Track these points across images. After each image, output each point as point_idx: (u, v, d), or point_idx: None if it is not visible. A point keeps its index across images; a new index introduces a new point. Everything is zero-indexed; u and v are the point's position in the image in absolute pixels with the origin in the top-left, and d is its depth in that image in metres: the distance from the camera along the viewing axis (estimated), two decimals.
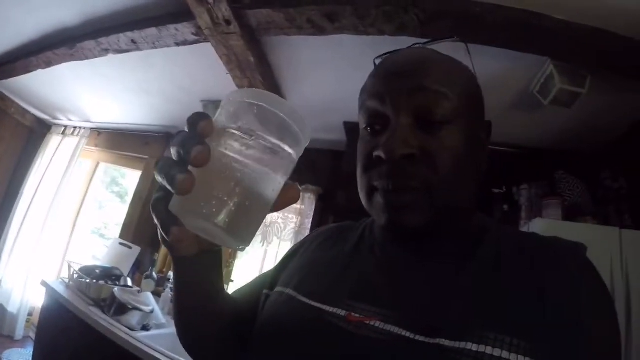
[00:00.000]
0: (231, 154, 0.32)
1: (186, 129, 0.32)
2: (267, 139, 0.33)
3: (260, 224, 0.35)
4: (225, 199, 0.31)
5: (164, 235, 0.33)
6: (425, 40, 0.61)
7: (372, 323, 0.43)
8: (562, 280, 0.41)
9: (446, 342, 0.38)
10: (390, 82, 0.49)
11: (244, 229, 0.33)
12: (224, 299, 0.55)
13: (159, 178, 0.32)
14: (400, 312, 0.43)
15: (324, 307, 0.47)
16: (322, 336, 0.45)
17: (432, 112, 0.46)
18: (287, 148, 0.34)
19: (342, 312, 0.46)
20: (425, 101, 0.46)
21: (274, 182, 0.34)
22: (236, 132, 0.32)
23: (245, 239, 0.33)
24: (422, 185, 0.45)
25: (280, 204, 0.37)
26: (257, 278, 0.68)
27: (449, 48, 0.60)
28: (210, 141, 0.31)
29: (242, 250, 0.36)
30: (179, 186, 0.30)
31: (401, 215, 0.46)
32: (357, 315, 0.45)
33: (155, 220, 0.34)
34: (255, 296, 0.61)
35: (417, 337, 0.40)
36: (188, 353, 0.57)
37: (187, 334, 0.56)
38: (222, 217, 0.31)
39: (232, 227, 0.31)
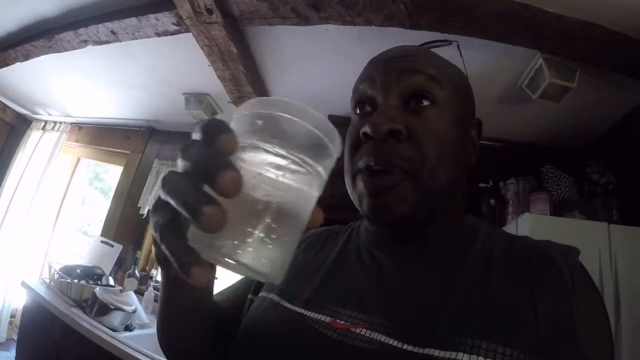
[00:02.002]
0: (264, 178, 0.26)
1: (197, 137, 0.26)
2: (302, 158, 0.28)
3: (287, 265, 0.29)
4: (262, 235, 0.25)
5: (179, 271, 0.25)
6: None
7: (358, 331, 0.41)
8: (554, 287, 0.40)
9: (436, 352, 0.36)
10: (381, 66, 0.50)
11: (280, 266, 0.27)
12: (211, 308, 0.52)
13: (170, 201, 0.25)
14: (388, 319, 0.41)
15: (308, 313, 0.46)
16: (305, 344, 0.43)
17: (419, 93, 0.47)
18: (320, 167, 0.29)
19: (327, 319, 0.44)
20: (414, 82, 0.47)
21: (308, 209, 0.29)
22: (267, 150, 0.27)
23: (278, 276, 0.28)
24: (407, 165, 0.44)
25: None
26: (240, 281, 0.65)
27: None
28: (234, 159, 0.25)
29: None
30: (207, 222, 0.22)
31: (384, 198, 0.45)
32: (343, 322, 0.43)
33: (167, 253, 0.26)
34: (239, 301, 0.59)
35: (406, 347, 0.38)
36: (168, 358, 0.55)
37: (172, 343, 0.53)
38: (258, 258, 0.25)
39: (269, 268, 0.26)
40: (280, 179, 0.26)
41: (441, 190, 0.47)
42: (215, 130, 0.25)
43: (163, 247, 0.26)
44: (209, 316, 0.53)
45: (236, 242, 0.24)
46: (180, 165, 0.26)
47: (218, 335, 0.54)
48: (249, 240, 0.25)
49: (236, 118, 0.29)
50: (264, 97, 0.29)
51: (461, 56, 0.58)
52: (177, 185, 0.25)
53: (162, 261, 0.33)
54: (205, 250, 0.25)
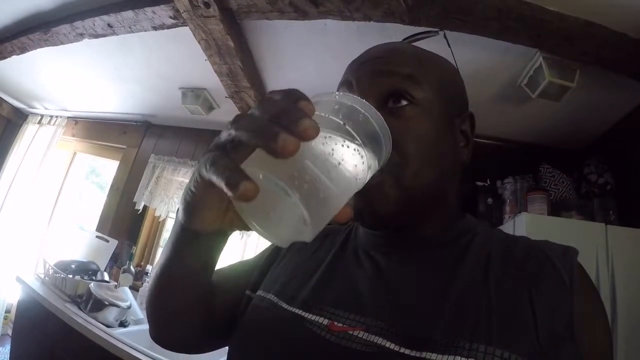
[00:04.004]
0: (331, 141, 0.29)
1: (276, 97, 0.28)
2: (363, 142, 0.32)
3: (322, 227, 0.30)
4: (317, 180, 0.27)
5: (226, 188, 0.26)
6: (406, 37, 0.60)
7: (355, 333, 0.41)
8: (553, 288, 0.39)
9: (434, 356, 0.36)
10: (357, 68, 0.50)
11: (317, 221, 0.28)
12: (209, 281, 0.52)
13: (238, 134, 0.27)
14: (386, 322, 0.41)
15: (306, 314, 0.46)
16: (304, 347, 0.43)
17: (396, 94, 0.46)
18: (371, 160, 0.33)
19: (325, 321, 0.44)
20: (389, 83, 0.46)
21: (349, 193, 0.31)
22: (338, 123, 0.31)
23: (309, 232, 0.29)
24: (386, 167, 0.42)
25: None
26: (239, 268, 0.64)
27: (437, 40, 0.58)
28: None
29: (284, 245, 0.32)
30: (282, 145, 0.24)
31: (367, 197, 0.44)
32: (341, 325, 0.43)
33: (215, 175, 0.27)
34: (236, 287, 0.59)
35: (403, 350, 0.38)
36: (152, 322, 0.54)
37: (165, 303, 0.51)
38: (308, 197, 0.26)
39: (311, 212, 0.27)
40: (344, 147, 0.30)
41: (426, 191, 0.46)
42: (298, 95, 0.28)
43: (212, 170, 0.27)
44: (209, 283, 0.52)
45: (296, 174, 0.26)
46: (255, 110, 0.27)
47: (209, 308, 0.54)
48: (307, 176, 0.26)
49: (316, 100, 0.32)
50: (347, 93, 0.35)
51: (449, 46, 0.57)
52: (254, 120, 0.27)
53: (190, 205, 0.36)
54: (260, 176, 0.27)
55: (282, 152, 0.24)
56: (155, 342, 0.56)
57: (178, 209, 0.39)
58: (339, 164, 0.29)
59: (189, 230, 0.39)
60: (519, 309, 0.38)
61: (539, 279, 0.40)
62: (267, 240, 0.34)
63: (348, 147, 0.30)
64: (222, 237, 0.43)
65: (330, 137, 0.29)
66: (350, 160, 0.30)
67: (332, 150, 0.29)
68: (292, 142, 0.24)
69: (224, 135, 0.29)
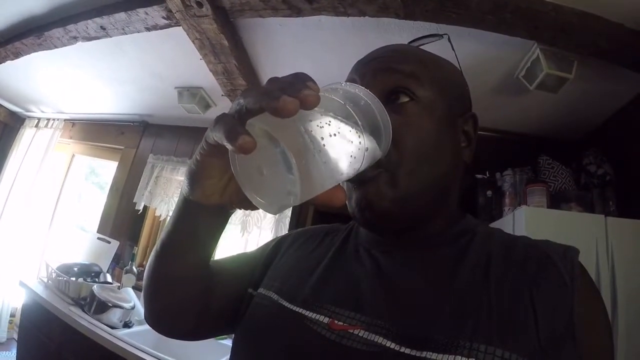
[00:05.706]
0: (329, 118, 0.31)
1: (284, 78, 0.31)
2: (362, 125, 0.34)
3: (311, 196, 0.32)
4: (311, 146, 0.29)
5: (227, 140, 0.28)
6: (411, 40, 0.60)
7: (355, 332, 0.41)
8: (554, 288, 0.39)
9: (434, 355, 0.36)
10: (361, 68, 0.51)
11: (306, 186, 0.30)
12: (207, 265, 0.52)
13: (245, 101, 0.31)
14: (386, 320, 0.41)
15: (307, 313, 0.46)
16: (304, 345, 0.43)
17: (396, 91, 0.47)
18: (371, 147, 0.35)
19: (325, 319, 0.44)
20: (390, 81, 0.47)
21: (343, 166, 0.33)
22: (339, 102, 0.34)
23: (297, 193, 0.30)
24: (385, 159, 0.42)
25: (322, 199, 0.34)
26: (239, 260, 0.64)
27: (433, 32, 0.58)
28: None
29: (274, 213, 0.33)
30: (282, 102, 0.27)
31: (365, 190, 0.44)
32: (341, 323, 0.43)
33: (217, 132, 0.30)
34: (235, 281, 0.59)
35: (403, 349, 0.37)
36: (147, 307, 0.54)
37: (159, 287, 0.52)
38: (300, 157, 0.28)
39: (301, 174, 0.28)
40: (342, 123, 0.32)
41: (424, 189, 0.45)
42: (305, 76, 0.31)
43: (216, 128, 0.30)
44: (207, 267, 0.52)
45: (292, 134, 0.28)
46: (264, 85, 0.31)
47: (207, 298, 0.54)
48: (301, 138, 0.29)
49: (324, 88, 0.35)
50: (354, 84, 0.37)
51: (453, 49, 0.57)
52: (261, 90, 0.29)
53: (194, 174, 0.38)
54: (256, 129, 0.29)
55: (281, 110, 0.26)
56: (148, 324, 0.56)
57: (183, 184, 0.42)
58: (335, 135, 0.31)
59: (190, 201, 0.41)
60: (520, 309, 0.38)
61: (540, 278, 0.40)
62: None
63: (346, 123, 0.32)
64: (221, 215, 0.45)
65: (330, 112, 0.32)
66: (347, 135, 0.32)
67: (330, 121, 0.31)
68: (292, 102, 0.27)
69: (233, 106, 0.32)
